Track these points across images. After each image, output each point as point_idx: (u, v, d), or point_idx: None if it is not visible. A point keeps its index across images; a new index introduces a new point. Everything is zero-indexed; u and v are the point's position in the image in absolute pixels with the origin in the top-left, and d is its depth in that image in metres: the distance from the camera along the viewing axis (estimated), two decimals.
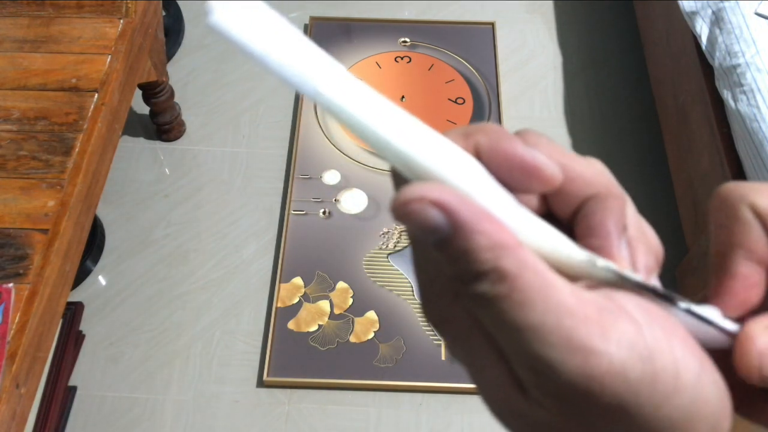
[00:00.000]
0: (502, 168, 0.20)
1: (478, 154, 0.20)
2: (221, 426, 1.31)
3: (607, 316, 0.19)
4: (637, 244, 0.21)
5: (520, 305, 0.18)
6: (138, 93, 1.51)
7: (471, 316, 0.20)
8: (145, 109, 1.65)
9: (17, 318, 0.91)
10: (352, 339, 1.38)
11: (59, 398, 1.24)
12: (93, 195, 1.13)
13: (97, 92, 1.17)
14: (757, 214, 0.21)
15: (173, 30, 1.84)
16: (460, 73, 1.80)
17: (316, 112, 1.72)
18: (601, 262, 0.20)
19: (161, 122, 1.63)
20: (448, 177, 0.19)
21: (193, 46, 1.87)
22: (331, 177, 1.61)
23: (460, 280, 0.19)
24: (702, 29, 1.30)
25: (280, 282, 1.45)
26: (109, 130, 1.18)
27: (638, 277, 0.20)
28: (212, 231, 1.55)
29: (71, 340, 1.32)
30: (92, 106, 1.15)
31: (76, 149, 1.09)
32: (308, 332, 1.39)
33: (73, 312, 1.37)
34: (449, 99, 1.75)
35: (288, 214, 1.55)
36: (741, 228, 0.21)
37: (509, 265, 0.18)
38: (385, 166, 1.62)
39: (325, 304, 1.42)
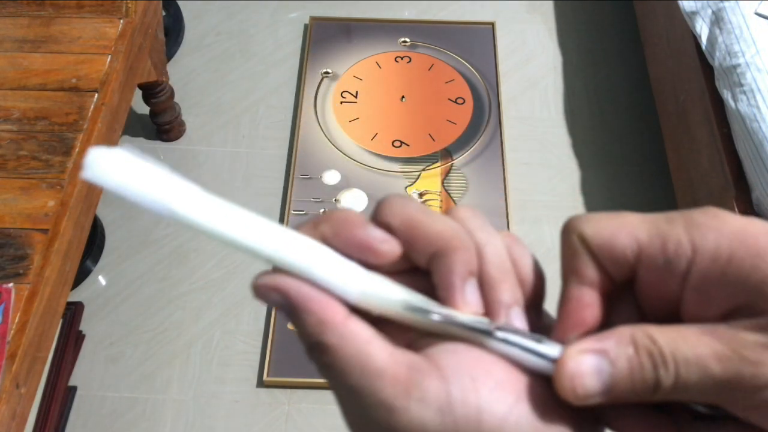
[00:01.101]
0: (347, 249, 0.24)
1: (326, 241, 0.24)
2: (221, 426, 1.31)
3: (415, 374, 0.22)
4: (497, 284, 0.24)
5: (342, 372, 0.22)
6: (138, 93, 1.51)
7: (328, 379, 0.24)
8: (145, 109, 1.65)
9: (17, 318, 0.91)
10: None
11: (59, 398, 1.24)
12: (93, 195, 1.14)
13: (97, 92, 1.17)
14: (583, 241, 0.23)
15: (173, 30, 1.84)
16: (460, 73, 1.80)
17: (316, 112, 1.72)
18: (424, 311, 0.23)
19: (161, 122, 1.63)
20: (292, 265, 0.23)
21: (193, 46, 1.87)
22: (331, 177, 1.61)
23: (306, 349, 0.23)
24: (702, 29, 1.30)
25: None
26: (109, 130, 1.18)
27: (464, 318, 0.23)
28: None
29: (71, 340, 1.32)
30: (92, 106, 1.15)
31: (76, 149, 1.09)
32: None
33: (73, 312, 1.37)
34: (449, 99, 1.75)
35: (288, 214, 1.55)
36: (571, 255, 0.24)
37: (331, 339, 0.22)
38: (385, 166, 1.62)
39: None
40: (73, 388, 1.33)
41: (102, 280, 1.48)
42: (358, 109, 1.73)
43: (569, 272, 0.24)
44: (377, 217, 0.25)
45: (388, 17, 1.92)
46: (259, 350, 1.39)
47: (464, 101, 1.75)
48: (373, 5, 1.96)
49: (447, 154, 1.65)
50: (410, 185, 1.60)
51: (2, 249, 0.98)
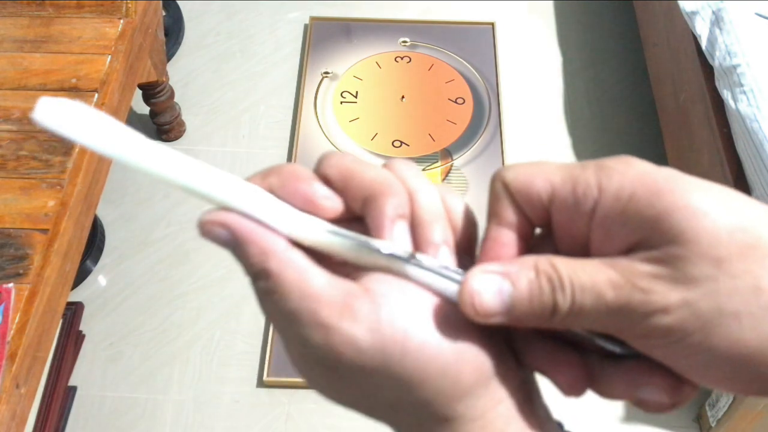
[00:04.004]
0: (292, 200, 0.26)
1: (273, 191, 0.26)
2: (221, 426, 1.31)
3: (350, 298, 0.24)
4: (427, 225, 0.26)
5: (283, 296, 0.24)
6: (138, 93, 1.51)
7: (271, 312, 0.25)
8: (145, 109, 1.65)
9: (17, 318, 0.91)
10: None
11: (59, 398, 1.24)
12: (93, 195, 1.13)
13: (97, 92, 1.17)
14: (504, 186, 0.25)
15: (173, 30, 1.84)
16: (460, 73, 1.80)
17: (316, 112, 1.72)
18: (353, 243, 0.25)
19: (161, 122, 1.63)
20: (235, 205, 0.25)
21: (193, 46, 1.87)
22: None
23: (251, 280, 0.25)
24: (702, 29, 1.30)
25: None
26: None
27: (381, 244, 0.25)
28: None
29: (71, 340, 1.32)
30: (92, 106, 1.15)
31: (76, 149, 1.09)
32: None
33: (73, 312, 1.37)
34: (449, 99, 1.75)
35: None
36: (494, 199, 0.26)
37: (272, 265, 0.24)
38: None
39: None
40: (73, 388, 1.33)
41: (102, 280, 1.48)
42: (358, 109, 1.73)
43: (490, 215, 0.26)
44: (318, 169, 0.27)
45: (388, 17, 1.92)
46: (259, 350, 1.39)
47: (464, 101, 1.75)
48: (373, 5, 1.96)
49: (447, 154, 1.65)
50: None
51: (2, 249, 0.98)
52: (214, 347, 1.40)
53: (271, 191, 0.26)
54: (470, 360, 0.24)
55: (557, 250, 0.25)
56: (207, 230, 0.25)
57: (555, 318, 0.23)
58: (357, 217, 0.27)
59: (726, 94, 1.19)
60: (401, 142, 1.67)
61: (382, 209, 0.25)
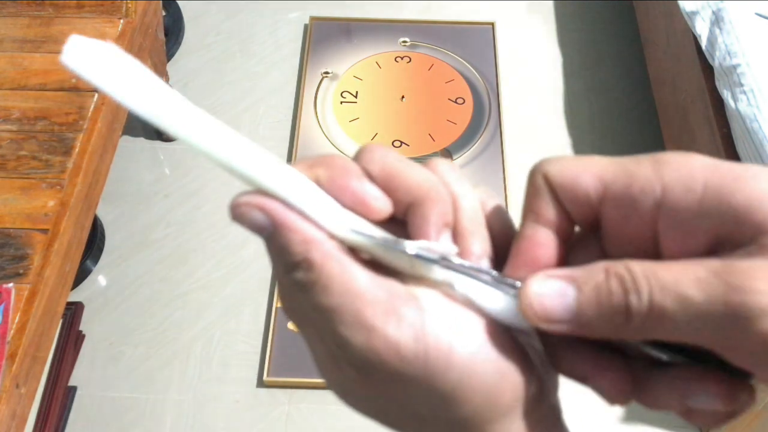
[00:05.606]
0: (340, 197, 0.24)
1: (320, 184, 0.24)
2: (221, 426, 1.31)
3: (396, 300, 0.22)
4: (470, 235, 0.24)
5: (324, 289, 0.22)
6: None
7: (302, 307, 0.23)
8: None
9: (17, 318, 0.91)
10: None
11: (59, 398, 1.24)
12: (93, 195, 1.14)
13: (97, 92, 1.17)
14: (547, 181, 0.23)
15: (173, 30, 1.84)
16: (460, 73, 1.80)
17: (316, 112, 1.72)
18: (400, 247, 0.23)
19: None
20: (275, 190, 0.23)
21: (193, 46, 1.87)
22: None
23: (285, 271, 0.23)
24: (702, 29, 1.30)
25: None
26: (109, 130, 1.18)
27: (419, 250, 0.23)
28: (212, 231, 1.55)
29: (71, 340, 1.32)
30: (92, 106, 1.15)
31: (76, 149, 1.09)
32: None
33: (73, 312, 1.37)
34: (449, 99, 1.75)
35: None
36: (533, 194, 0.24)
37: (316, 256, 0.22)
38: None
39: None
40: (73, 388, 1.33)
41: (102, 280, 1.48)
42: (358, 109, 1.73)
43: (527, 211, 0.24)
44: (357, 163, 0.25)
45: (388, 17, 1.92)
46: (259, 350, 1.39)
47: (464, 101, 1.75)
48: (373, 5, 1.96)
49: (447, 154, 1.65)
50: None
51: (2, 249, 0.98)
52: (214, 347, 1.40)
53: (317, 183, 0.24)
54: (511, 381, 0.23)
55: (603, 251, 0.23)
56: (242, 213, 0.23)
57: (630, 325, 0.20)
58: (391, 217, 0.25)
59: (726, 94, 1.19)
60: (401, 142, 1.67)
61: (429, 217, 0.24)
